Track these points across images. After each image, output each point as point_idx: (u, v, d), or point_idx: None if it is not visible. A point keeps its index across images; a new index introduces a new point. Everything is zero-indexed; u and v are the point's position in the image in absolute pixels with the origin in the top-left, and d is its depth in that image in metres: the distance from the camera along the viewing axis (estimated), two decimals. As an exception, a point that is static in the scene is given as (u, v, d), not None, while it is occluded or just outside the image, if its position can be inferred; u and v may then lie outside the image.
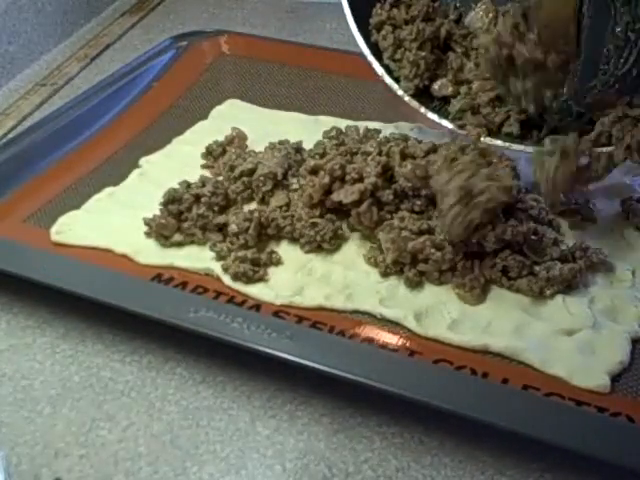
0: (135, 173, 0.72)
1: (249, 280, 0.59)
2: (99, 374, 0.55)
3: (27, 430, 0.51)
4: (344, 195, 0.61)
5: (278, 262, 0.61)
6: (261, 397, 0.53)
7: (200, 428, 0.51)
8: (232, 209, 0.65)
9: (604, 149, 0.57)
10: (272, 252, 0.62)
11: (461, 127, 0.63)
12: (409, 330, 0.55)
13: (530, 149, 0.61)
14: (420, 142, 0.65)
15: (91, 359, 0.56)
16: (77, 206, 0.67)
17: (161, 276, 0.60)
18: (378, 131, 0.72)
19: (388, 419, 0.51)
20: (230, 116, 0.81)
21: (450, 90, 0.66)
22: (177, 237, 0.63)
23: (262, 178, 0.66)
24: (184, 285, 0.59)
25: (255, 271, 0.59)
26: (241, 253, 0.60)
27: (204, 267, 0.60)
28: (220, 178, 0.69)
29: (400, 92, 0.66)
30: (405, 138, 0.66)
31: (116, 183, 0.70)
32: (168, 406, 0.53)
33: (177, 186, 0.65)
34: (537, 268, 0.57)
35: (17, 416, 0.52)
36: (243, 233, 0.61)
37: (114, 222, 0.65)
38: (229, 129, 0.76)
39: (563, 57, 0.57)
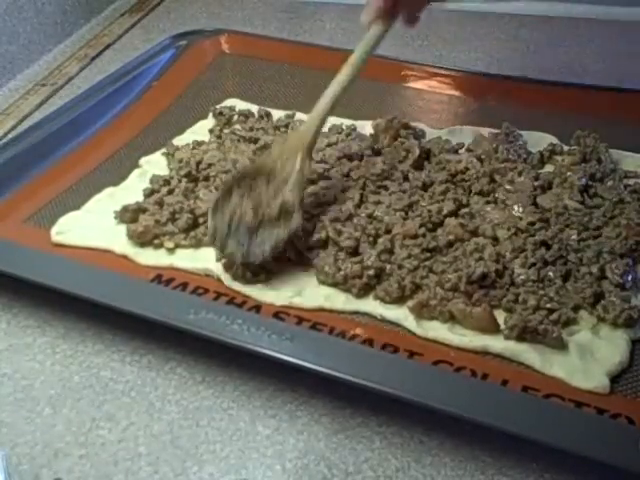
0: (135, 173, 0.72)
1: (249, 281, 0.59)
2: (99, 374, 0.55)
3: (27, 430, 0.51)
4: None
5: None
6: (261, 397, 0.53)
7: (200, 428, 0.51)
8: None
9: None
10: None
11: None
12: (409, 331, 0.55)
13: None
14: None
15: (91, 359, 0.56)
16: (77, 206, 0.67)
17: (161, 277, 0.59)
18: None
19: (388, 419, 0.51)
20: (230, 115, 0.81)
21: None
22: (168, 243, 0.62)
23: None
24: (184, 286, 0.59)
25: (255, 272, 0.59)
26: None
27: (204, 268, 0.60)
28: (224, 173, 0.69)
29: None
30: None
31: (116, 183, 0.70)
32: (168, 406, 0.53)
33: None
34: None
35: (17, 416, 0.52)
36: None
37: (114, 223, 0.65)
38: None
39: None
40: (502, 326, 0.54)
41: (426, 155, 0.71)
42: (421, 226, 0.61)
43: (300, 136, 0.63)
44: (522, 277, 0.57)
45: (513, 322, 0.53)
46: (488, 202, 0.65)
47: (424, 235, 0.61)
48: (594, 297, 0.56)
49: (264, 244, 0.57)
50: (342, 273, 0.58)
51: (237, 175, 0.61)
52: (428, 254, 0.60)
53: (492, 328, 0.54)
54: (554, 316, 0.55)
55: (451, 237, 0.60)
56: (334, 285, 0.58)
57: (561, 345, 0.53)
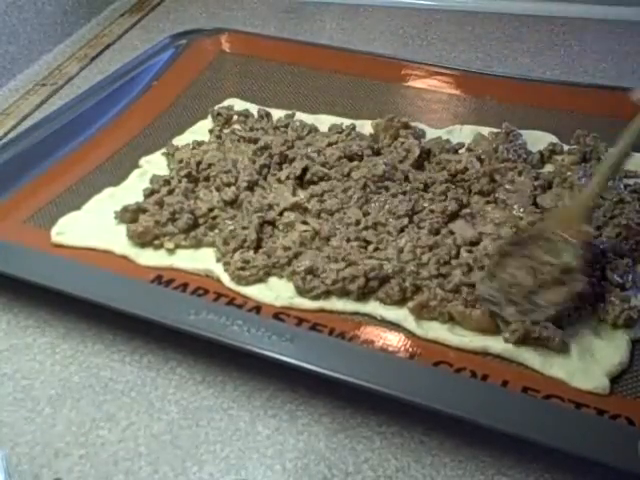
0: (135, 173, 0.72)
1: (249, 282, 0.59)
2: (99, 374, 0.55)
3: (27, 430, 0.51)
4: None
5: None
6: (261, 397, 0.53)
7: (200, 428, 0.51)
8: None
9: None
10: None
11: None
12: (409, 332, 0.55)
13: None
14: None
15: (91, 359, 0.56)
16: (77, 207, 0.67)
17: (161, 278, 0.59)
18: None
19: (388, 419, 0.51)
20: (230, 115, 0.81)
21: None
22: (168, 244, 0.62)
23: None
24: (184, 286, 0.59)
25: (255, 273, 0.59)
26: (241, 254, 0.60)
27: (204, 268, 0.60)
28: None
29: None
30: None
31: (116, 183, 0.70)
32: (168, 406, 0.53)
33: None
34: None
35: (17, 416, 0.52)
36: (242, 235, 0.62)
37: (114, 223, 0.65)
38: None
39: None
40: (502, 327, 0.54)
41: (426, 155, 0.71)
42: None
43: (579, 203, 0.60)
44: None
45: (514, 326, 0.53)
46: (488, 202, 0.65)
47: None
48: (594, 297, 0.56)
49: (544, 305, 0.55)
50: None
51: (510, 242, 0.59)
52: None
53: (492, 329, 0.54)
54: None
55: None
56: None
57: (562, 348, 0.53)
